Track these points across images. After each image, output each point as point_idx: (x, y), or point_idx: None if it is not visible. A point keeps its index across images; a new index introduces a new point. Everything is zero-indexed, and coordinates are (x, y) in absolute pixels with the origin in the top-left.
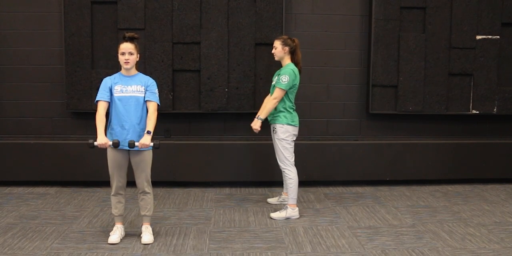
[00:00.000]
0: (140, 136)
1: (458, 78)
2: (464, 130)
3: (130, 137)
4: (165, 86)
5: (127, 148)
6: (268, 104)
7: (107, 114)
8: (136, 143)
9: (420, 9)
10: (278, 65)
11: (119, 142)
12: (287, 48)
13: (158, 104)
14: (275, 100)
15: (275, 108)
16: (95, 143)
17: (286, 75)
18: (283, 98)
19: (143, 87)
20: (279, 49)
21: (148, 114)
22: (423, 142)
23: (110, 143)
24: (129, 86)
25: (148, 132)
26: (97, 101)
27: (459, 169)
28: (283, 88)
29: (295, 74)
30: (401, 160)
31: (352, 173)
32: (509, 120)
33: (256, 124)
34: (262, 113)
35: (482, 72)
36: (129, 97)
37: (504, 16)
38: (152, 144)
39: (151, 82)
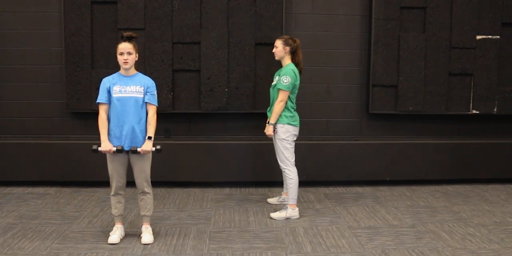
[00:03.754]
0: (139, 136)
1: (458, 78)
2: (464, 130)
3: (130, 137)
4: (165, 86)
5: (127, 148)
6: (276, 107)
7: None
8: (139, 149)
9: (420, 9)
10: (278, 65)
11: (123, 148)
12: (288, 48)
13: (157, 106)
14: (282, 103)
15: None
16: (100, 148)
17: (287, 76)
18: None
19: (143, 88)
20: (279, 48)
21: (148, 119)
22: (423, 142)
23: (114, 149)
24: (128, 87)
25: (149, 138)
26: (98, 103)
27: (459, 169)
28: (285, 89)
29: (295, 74)
30: (401, 160)
31: (352, 173)
32: (509, 120)
33: (269, 130)
34: (272, 118)
35: (482, 72)
36: (128, 97)
37: (504, 16)
38: (154, 149)
39: (151, 83)
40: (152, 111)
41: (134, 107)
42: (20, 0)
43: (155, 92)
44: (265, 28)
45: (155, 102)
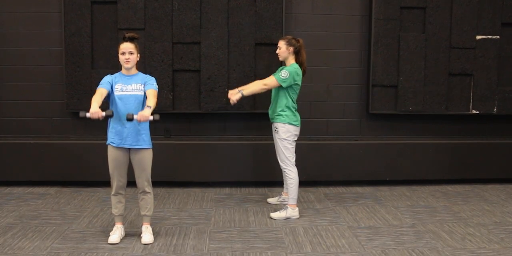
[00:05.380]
0: (141, 134)
1: (458, 78)
2: (464, 130)
3: (131, 135)
4: (165, 86)
5: (128, 146)
6: (256, 85)
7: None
8: (135, 116)
9: (420, 9)
10: (278, 65)
11: (113, 112)
12: (291, 48)
13: (156, 91)
14: (264, 87)
15: (277, 107)
16: (87, 114)
17: (287, 71)
18: (286, 96)
19: (142, 85)
20: (283, 49)
21: (148, 94)
22: (423, 142)
23: (103, 113)
24: (129, 85)
25: (148, 106)
26: (98, 88)
27: (459, 169)
28: (278, 81)
29: (297, 73)
30: (401, 160)
31: (352, 173)
32: (509, 120)
33: (235, 96)
34: (246, 90)
35: (482, 72)
36: (129, 95)
37: (504, 16)
38: (151, 117)
39: (149, 78)
40: (152, 92)
41: (135, 105)
42: (20, 0)
43: (155, 83)
44: (265, 28)
45: (155, 87)
